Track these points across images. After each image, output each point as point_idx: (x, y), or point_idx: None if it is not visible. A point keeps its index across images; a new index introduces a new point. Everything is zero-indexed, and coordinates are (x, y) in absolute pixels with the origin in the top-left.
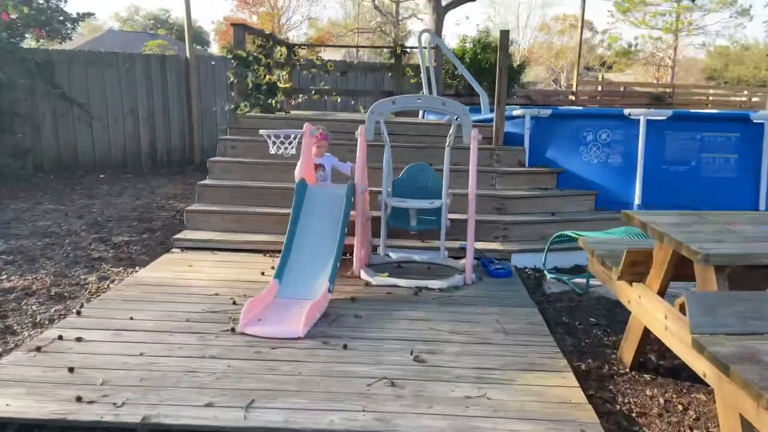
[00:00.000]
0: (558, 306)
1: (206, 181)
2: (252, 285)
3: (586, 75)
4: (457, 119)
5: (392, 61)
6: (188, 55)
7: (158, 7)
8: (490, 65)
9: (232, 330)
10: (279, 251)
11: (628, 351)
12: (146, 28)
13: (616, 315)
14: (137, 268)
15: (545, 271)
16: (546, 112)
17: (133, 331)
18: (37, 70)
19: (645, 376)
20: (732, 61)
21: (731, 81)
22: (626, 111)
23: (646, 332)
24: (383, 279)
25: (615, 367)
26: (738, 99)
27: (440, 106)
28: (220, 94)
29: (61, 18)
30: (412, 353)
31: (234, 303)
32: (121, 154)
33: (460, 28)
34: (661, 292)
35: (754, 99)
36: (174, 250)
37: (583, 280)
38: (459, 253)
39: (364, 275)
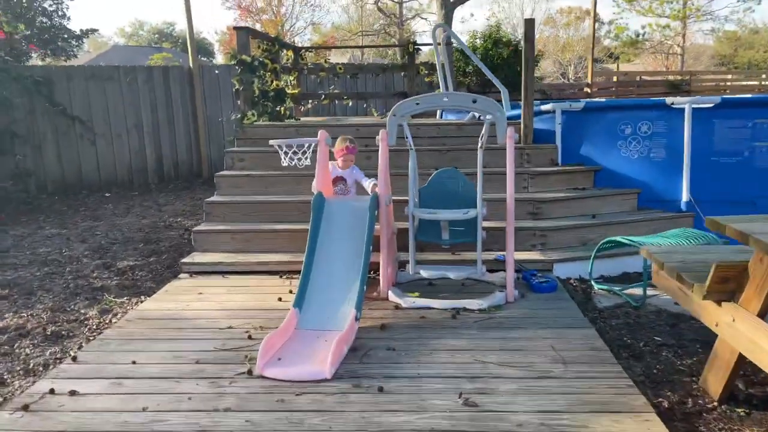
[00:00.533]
0: (614, 323)
1: (214, 198)
2: (269, 314)
3: (595, 67)
4: (489, 118)
5: (404, 60)
6: (191, 65)
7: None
8: (503, 60)
9: (249, 372)
10: (296, 272)
11: (715, 381)
12: (151, 42)
13: (683, 332)
14: (143, 297)
15: (592, 282)
16: (578, 105)
17: (135, 378)
18: (35, 88)
19: (738, 410)
20: (741, 45)
21: (741, 66)
22: (668, 100)
23: (740, 360)
24: (414, 300)
25: (700, 401)
26: (754, 83)
27: (470, 104)
28: (226, 103)
29: (65, 36)
30: (460, 396)
31: (250, 338)
32: (127, 171)
33: (466, 26)
34: (762, 314)
35: None
36: (182, 275)
37: (637, 291)
38: (494, 266)
39: (392, 297)
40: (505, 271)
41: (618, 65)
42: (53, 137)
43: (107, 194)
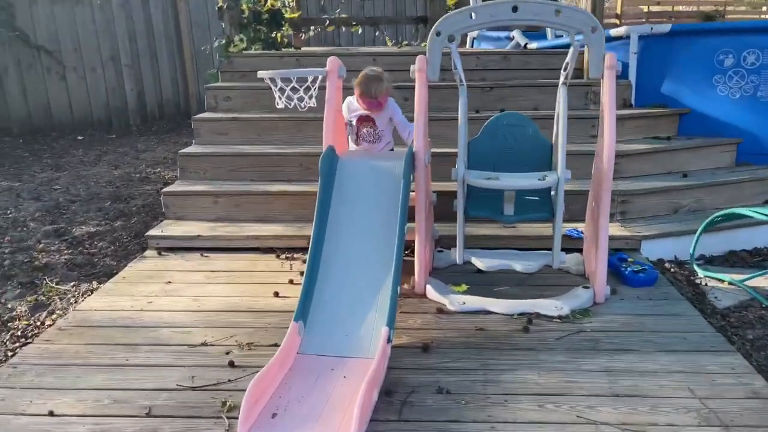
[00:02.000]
0: (751, 336)
1: (191, 149)
2: (261, 320)
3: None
4: (579, 39)
5: None
6: None
7: None
8: None
9: None
10: (299, 250)
11: None
12: None
13: None
14: (94, 284)
15: (695, 267)
16: (663, 28)
17: None
18: None
19: None
20: None
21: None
22: None
23: None
24: (464, 300)
25: None
26: None
27: (552, 18)
28: (216, 31)
29: None
30: None
31: (231, 365)
32: (104, 111)
33: None
34: None
35: None
36: (148, 252)
37: (763, 281)
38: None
39: (433, 294)
40: (580, 252)
41: None
42: (16, 71)
43: (80, 137)
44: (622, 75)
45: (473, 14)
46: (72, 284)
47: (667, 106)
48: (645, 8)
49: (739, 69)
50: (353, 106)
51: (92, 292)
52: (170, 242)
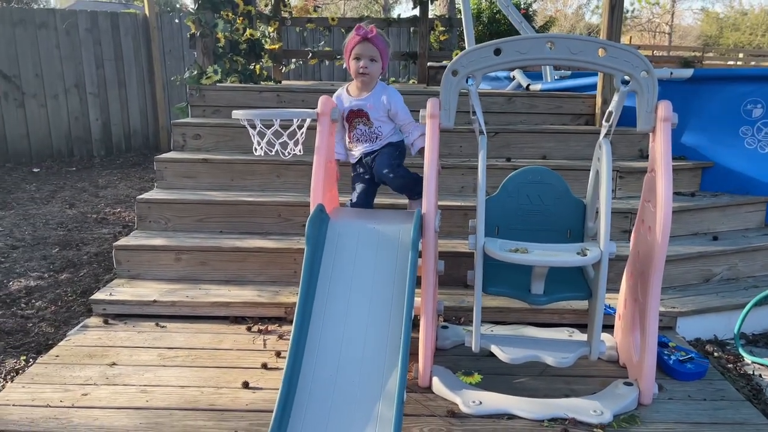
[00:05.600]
0: None
1: (152, 194)
2: (225, 423)
3: None
4: (626, 83)
5: (416, 12)
6: (147, 12)
7: None
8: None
9: None
10: (273, 320)
11: None
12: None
13: None
14: (21, 360)
15: (741, 350)
16: (684, 73)
17: None
18: None
19: None
20: (727, 27)
21: (725, 46)
22: None
23: None
24: (480, 397)
25: None
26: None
27: (594, 58)
28: (190, 59)
29: None
30: None
31: None
32: (65, 141)
33: None
34: None
35: None
36: (92, 319)
37: None
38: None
39: (441, 388)
40: (609, 330)
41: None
42: None
43: (36, 169)
44: (635, 122)
45: (499, 50)
46: None
47: (686, 159)
48: None
49: None
50: (343, 97)
51: (17, 374)
52: (119, 308)
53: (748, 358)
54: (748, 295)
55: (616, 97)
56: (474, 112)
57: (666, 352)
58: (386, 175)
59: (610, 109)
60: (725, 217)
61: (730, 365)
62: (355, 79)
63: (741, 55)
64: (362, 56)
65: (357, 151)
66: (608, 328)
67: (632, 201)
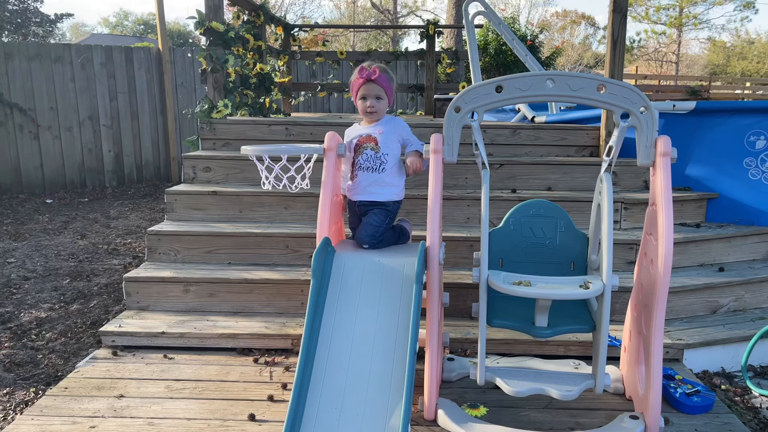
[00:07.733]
0: None
1: (162, 226)
2: None
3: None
4: (626, 119)
5: (422, 46)
6: (160, 46)
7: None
8: (515, 59)
9: None
10: (280, 352)
11: None
12: (136, 33)
13: None
14: (30, 392)
15: (749, 383)
16: (686, 105)
17: None
18: None
19: None
20: (734, 55)
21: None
22: None
23: None
24: (485, 430)
25: None
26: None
27: (594, 95)
28: (202, 92)
29: (38, 19)
30: None
31: None
32: (78, 172)
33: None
34: None
35: None
36: (100, 351)
37: None
38: (581, 350)
39: (446, 421)
40: (615, 362)
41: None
42: None
43: (49, 200)
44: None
45: (500, 88)
46: (5, 391)
47: (691, 190)
48: (633, 81)
49: None
50: (355, 128)
51: (26, 405)
52: (128, 340)
53: (756, 391)
54: (755, 326)
55: (616, 132)
56: (476, 147)
57: (672, 384)
58: (367, 241)
59: (610, 143)
60: (731, 247)
61: (737, 398)
62: (363, 118)
63: (748, 84)
64: (368, 96)
65: (358, 187)
66: (615, 360)
67: (637, 232)
